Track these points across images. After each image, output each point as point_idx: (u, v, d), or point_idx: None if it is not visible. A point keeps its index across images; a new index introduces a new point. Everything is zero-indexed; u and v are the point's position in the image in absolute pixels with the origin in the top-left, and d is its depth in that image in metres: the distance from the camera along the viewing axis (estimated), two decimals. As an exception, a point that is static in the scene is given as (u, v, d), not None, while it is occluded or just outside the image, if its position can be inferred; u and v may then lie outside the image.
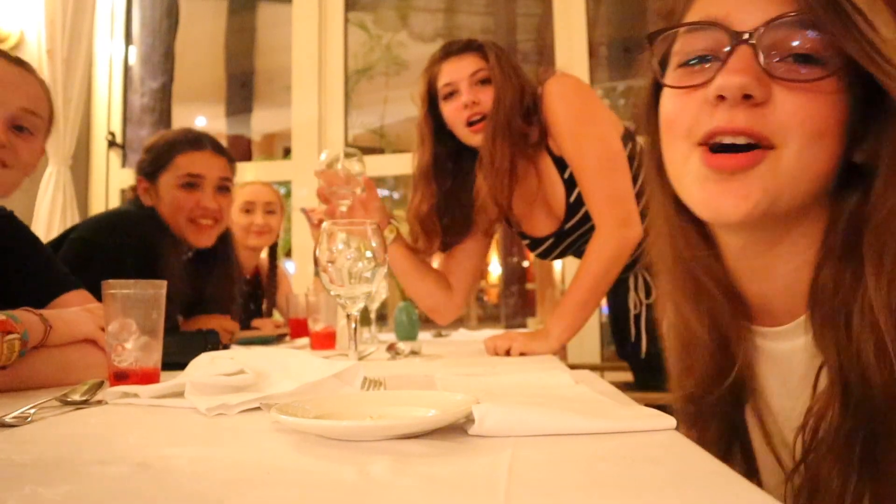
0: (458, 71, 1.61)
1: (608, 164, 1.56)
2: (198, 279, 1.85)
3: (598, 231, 1.53)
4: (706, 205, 0.63)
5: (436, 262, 1.87)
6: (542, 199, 1.71)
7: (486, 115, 1.59)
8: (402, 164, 2.91)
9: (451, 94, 1.63)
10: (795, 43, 0.60)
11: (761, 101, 0.60)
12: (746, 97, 0.60)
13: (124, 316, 0.95)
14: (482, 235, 1.81)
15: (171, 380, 0.85)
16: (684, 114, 0.65)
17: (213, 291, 1.90)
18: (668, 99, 0.68)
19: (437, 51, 1.69)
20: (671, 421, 0.61)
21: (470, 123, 1.61)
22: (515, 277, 4.62)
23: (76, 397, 0.82)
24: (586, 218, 1.63)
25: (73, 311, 1.06)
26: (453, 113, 1.64)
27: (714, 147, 0.62)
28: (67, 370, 1.00)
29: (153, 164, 1.78)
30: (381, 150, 4.92)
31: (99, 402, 0.83)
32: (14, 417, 0.70)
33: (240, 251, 2.52)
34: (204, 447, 0.59)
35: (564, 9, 3.05)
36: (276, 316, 2.69)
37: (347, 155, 1.49)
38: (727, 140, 0.62)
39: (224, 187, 1.80)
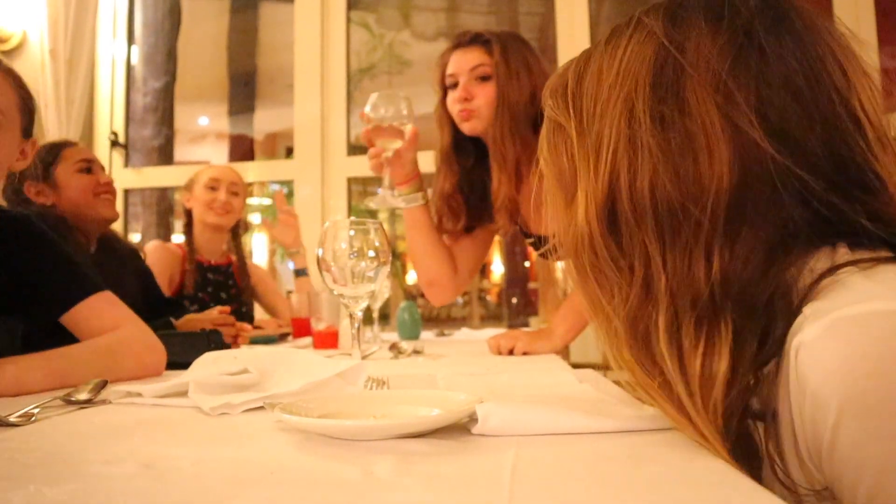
0: (461, 63, 1.63)
1: None
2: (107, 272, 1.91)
3: None
4: None
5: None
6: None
7: (473, 111, 1.60)
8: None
9: (453, 85, 1.65)
10: None
11: None
12: None
13: None
14: (493, 229, 1.81)
15: (174, 379, 0.85)
16: None
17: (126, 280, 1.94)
18: None
19: (452, 38, 1.71)
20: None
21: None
22: (518, 276, 4.62)
23: (80, 397, 0.83)
24: None
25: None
26: (451, 104, 1.66)
27: None
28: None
29: (41, 164, 1.84)
30: (383, 150, 4.91)
31: (103, 402, 0.83)
32: (18, 417, 0.70)
33: (201, 231, 2.50)
34: (207, 446, 0.60)
35: (567, 7, 3.05)
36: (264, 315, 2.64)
37: (392, 97, 1.51)
38: None
39: (104, 172, 2.06)
